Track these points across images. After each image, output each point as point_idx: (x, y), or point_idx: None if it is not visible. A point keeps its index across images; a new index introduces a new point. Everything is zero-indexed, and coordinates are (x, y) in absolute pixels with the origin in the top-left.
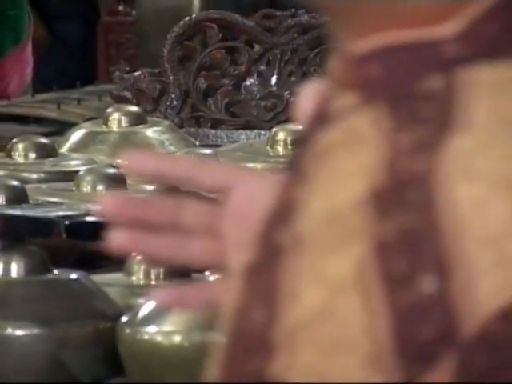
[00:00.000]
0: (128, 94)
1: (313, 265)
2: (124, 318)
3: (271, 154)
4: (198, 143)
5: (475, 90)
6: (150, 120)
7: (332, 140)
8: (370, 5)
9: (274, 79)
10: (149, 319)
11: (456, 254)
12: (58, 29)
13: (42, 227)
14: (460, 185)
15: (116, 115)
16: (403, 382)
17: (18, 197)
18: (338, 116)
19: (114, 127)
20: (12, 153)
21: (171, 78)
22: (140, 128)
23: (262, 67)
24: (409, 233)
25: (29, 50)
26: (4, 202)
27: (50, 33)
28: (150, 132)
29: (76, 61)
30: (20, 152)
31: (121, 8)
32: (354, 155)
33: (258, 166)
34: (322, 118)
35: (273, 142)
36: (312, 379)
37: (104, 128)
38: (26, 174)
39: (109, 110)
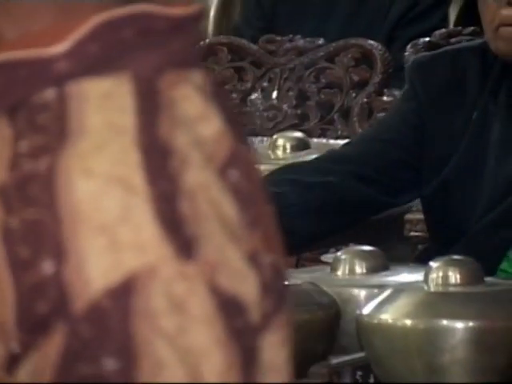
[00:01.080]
0: None
1: None
2: None
3: (272, 157)
4: None
5: (86, 102)
6: None
7: None
8: None
9: (274, 94)
10: None
11: (71, 241)
12: None
13: None
14: (78, 181)
15: None
16: (21, 350)
17: None
18: None
19: None
20: None
21: None
22: None
23: (265, 84)
24: (32, 223)
25: None
26: None
27: None
28: None
29: None
30: None
31: None
32: None
33: (261, 167)
34: None
35: (273, 147)
36: None
37: None
38: None
39: None
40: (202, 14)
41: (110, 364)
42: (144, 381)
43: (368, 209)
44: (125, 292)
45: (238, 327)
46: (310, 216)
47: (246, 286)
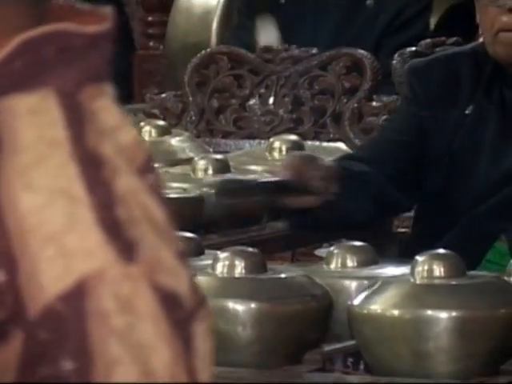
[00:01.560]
0: (157, 112)
1: None
2: None
3: (269, 158)
4: (211, 150)
5: (16, 117)
6: (174, 132)
7: None
8: None
9: (271, 100)
10: None
11: (22, 251)
12: None
13: None
14: (21, 196)
15: (147, 128)
16: None
17: None
18: None
19: (146, 137)
20: None
21: (190, 98)
22: (166, 138)
23: (262, 90)
24: None
25: None
26: None
27: None
28: (174, 141)
29: (117, 85)
30: None
31: (151, 44)
32: None
33: (259, 168)
34: None
35: (270, 149)
36: None
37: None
38: None
39: (142, 123)
40: (112, 32)
41: (67, 364)
42: (100, 378)
43: (389, 206)
44: (77, 295)
45: (178, 319)
46: (361, 202)
47: (180, 281)
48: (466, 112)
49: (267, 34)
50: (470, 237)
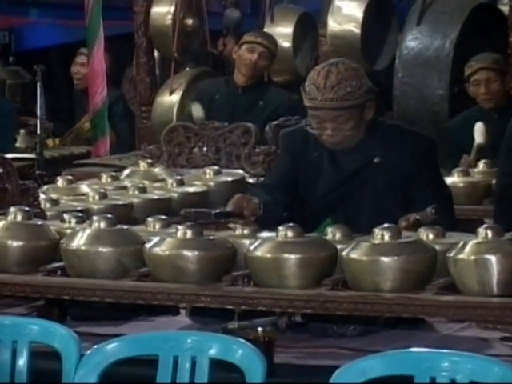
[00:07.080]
0: (148, 155)
1: None
2: (146, 245)
3: (203, 178)
4: (175, 174)
5: None
6: (155, 165)
7: None
8: None
9: (205, 149)
10: (154, 245)
11: None
12: (119, 131)
13: None
14: None
15: (142, 163)
16: None
17: (103, 197)
18: None
19: (142, 168)
20: (102, 179)
21: (164, 149)
22: (152, 168)
23: (200, 144)
24: None
25: (107, 140)
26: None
27: (115, 133)
28: (156, 170)
29: (127, 145)
30: (105, 178)
31: (144, 121)
32: None
33: (199, 183)
34: None
35: (204, 173)
36: None
37: (137, 168)
38: (107, 187)
39: (139, 161)
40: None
41: None
42: None
43: (289, 207)
44: None
45: None
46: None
47: None
48: (314, 155)
49: (198, 113)
50: (314, 215)
